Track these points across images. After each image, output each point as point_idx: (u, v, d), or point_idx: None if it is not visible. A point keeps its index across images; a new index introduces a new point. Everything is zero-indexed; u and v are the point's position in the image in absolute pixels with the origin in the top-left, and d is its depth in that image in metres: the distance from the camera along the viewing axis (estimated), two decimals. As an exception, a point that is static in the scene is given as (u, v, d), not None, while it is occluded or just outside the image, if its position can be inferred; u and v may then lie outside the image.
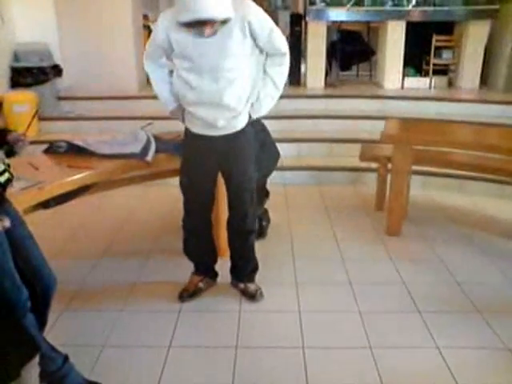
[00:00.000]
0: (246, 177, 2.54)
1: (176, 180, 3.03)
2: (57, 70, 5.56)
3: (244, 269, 2.79)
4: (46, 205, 2.52)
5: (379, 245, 3.41)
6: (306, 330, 2.48)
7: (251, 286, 2.78)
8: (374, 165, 4.12)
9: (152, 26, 6.65)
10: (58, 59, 5.64)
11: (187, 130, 2.55)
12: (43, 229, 3.34)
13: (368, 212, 3.99)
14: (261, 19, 2.28)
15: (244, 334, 2.47)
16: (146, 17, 6.73)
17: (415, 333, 2.48)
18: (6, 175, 1.83)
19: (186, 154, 2.59)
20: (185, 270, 2.92)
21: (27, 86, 5.23)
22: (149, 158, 2.80)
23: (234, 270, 2.83)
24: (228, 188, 2.61)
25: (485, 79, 6.49)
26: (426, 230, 3.64)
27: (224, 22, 2.18)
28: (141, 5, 6.40)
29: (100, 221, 3.83)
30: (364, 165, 4.25)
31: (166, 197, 4.19)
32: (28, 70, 5.28)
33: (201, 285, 2.81)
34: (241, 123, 2.44)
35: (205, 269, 2.84)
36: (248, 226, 2.65)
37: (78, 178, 2.54)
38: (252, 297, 2.74)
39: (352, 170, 4.63)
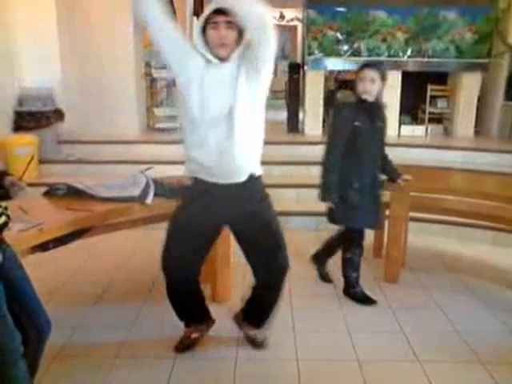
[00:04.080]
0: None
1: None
2: (59, 114, 5.66)
3: (264, 316, 2.62)
4: (44, 247, 2.52)
5: (377, 292, 3.38)
6: (304, 380, 2.43)
7: (261, 335, 2.68)
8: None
9: (153, 72, 6.82)
10: (60, 104, 5.75)
11: None
12: (40, 271, 3.32)
13: (366, 259, 3.95)
14: None
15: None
16: (148, 64, 6.90)
17: (415, 383, 2.43)
18: (3, 218, 1.84)
19: None
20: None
21: (29, 129, 5.31)
22: (148, 201, 2.82)
23: (248, 314, 2.65)
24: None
25: (479, 128, 6.64)
26: (424, 278, 3.62)
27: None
28: (143, 52, 6.59)
29: (97, 264, 3.80)
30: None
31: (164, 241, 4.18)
32: (31, 114, 5.37)
33: (195, 335, 2.70)
34: None
35: (194, 320, 2.70)
36: (282, 279, 2.47)
37: (76, 220, 2.54)
38: (260, 345, 2.67)
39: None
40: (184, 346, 2.67)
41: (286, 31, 13.78)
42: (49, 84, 5.61)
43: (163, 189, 2.95)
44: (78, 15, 5.95)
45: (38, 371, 2.07)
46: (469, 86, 6.49)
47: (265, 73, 2.20)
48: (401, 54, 6.44)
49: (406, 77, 6.49)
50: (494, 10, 6.27)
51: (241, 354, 2.63)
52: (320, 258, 3.54)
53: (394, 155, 5.60)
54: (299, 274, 3.63)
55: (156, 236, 4.26)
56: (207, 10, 2.14)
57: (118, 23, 5.97)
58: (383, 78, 2.99)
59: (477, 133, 6.58)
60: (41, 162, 5.13)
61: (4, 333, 1.75)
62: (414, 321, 3.02)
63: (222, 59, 2.19)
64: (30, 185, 2.17)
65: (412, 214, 3.77)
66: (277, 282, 2.48)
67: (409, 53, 6.43)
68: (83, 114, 5.98)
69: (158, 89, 7.13)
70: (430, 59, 6.43)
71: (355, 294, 3.25)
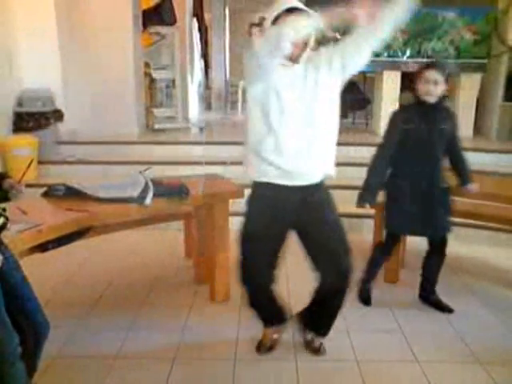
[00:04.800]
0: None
1: (175, 224, 2.98)
2: (58, 115, 5.65)
3: (326, 324, 2.61)
4: (43, 248, 2.52)
5: (377, 292, 3.37)
6: (302, 380, 2.43)
7: (318, 341, 2.67)
8: (370, 211, 4.12)
9: (153, 72, 6.82)
10: (59, 104, 5.74)
11: None
12: (39, 272, 3.31)
13: (365, 258, 3.96)
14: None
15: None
16: (147, 64, 6.90)
17: (414, 383, 2.43)
18: (2, 219, 1.84)
19: None
20: (179, 318, 2.89)
21: (29, 130, 5.31)
22: (147, 202, 2.81)
23: (313, 321, 2.63)
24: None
25: (478, 128, 6.63)
26: (423, 278, 3.62)
27: None
28: (142, 53, 6.59)
29: (96, 265, 3.80)
30: (360, 211, 4.24)
31: (163, 241, 4.19)
32: (30, 114, 5.37)
33: (275, 336, 2.69)
34: None
35: (275, 322, 2.68)
36: (348, 283, 2.44)
37: (76, 220, 2.54)
38: (317, 351, 2.65)
39: (347, 217, 4.61)
40: (266, 347, 2.66)
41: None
42: (48, 85, 5.60)
43: (162, 189, 2.95)
44: (77, 16, 5.95)
45: (36, 372, 2.07)
46: (468, 86, 6.48)
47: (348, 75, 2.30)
48: (400, 54, 6.43)
49: (406, 77, 6.48)
50: (493, 11, 6.27)
51: (239, 355, 2.62)
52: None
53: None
54: (296, 274, 3.64)
55: (155, 236, 4.29)
56: (276, 10, 2.14)
57: (118, 24, 5.97)
58: (447, 80, 2.86)
59: (476, 133, 6.58)
60: (40, 162, 5.12)
61: (2, 334, 1.76)
62: (413, 321, 3.02)
63: (293, 60, 2.20)
64: (29, 186, 2.18)
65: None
66: (344, 286, 2.45)
67: (408, 53, 6.42)
68: (83, 114, 5.97)
69: (157, 89, 7.13)
70: (429, 59, 6.42)
71: (360, 290, 3.26)
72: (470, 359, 2.62)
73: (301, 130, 2.21)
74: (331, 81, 2.26)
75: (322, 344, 2.66)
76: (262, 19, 2.20)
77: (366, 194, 3.01)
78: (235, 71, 12.49)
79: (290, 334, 2.82)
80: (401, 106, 2.98)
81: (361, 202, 3.02)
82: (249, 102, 2.28)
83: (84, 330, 2.86)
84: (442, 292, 3.37)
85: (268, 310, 2.64)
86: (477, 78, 6.49)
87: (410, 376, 2.48)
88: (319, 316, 2.60)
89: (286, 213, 2.33)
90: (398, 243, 3.28)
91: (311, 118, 2.22)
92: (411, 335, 2.84)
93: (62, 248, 2.71)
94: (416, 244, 4.14)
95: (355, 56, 2.21)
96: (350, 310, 3.10)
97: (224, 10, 11.50)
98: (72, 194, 2.89)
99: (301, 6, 2.15)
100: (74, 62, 5.97)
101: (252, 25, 2.33)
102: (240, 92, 9.70)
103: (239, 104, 9.77)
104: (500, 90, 6.42)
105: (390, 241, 3.22)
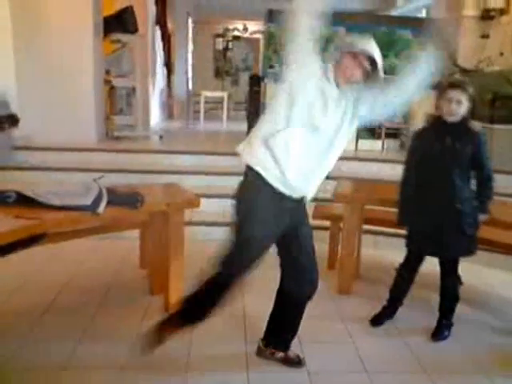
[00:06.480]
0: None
1: (127, 233, 2.94)
2: (13, 120, 5.50)
3: (290, 337, 2.67)
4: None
5: (330, 304, 3.41)
6: (254, 391, 2.44)
7: (291, 353, 2.68)
8: (326, 223, 4.19)
9: (113, 80, 6.73)
10: (15, 108, 5.59)
11: None
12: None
13: (320, 270, 4.00)
14: None
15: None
16: (107, 72, 6.83)
17: (363, 393, 2.47)
18: None
19: None
20: (131, 328, 2.85)
21: (-19, 134, 5.15)
22: (100, 210, 2.77)
23: (274, 338, 2.68)
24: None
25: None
26: (376, 290, 3.67)
27: None
28: (103, 59, 6.52)
29: (48, 274, 3.70)
30: (317, 223, 4.30)
31: (117, 250, 4.13)
32: (-18, 119, 5.21)
33: None
34: None
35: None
36: (314, 292, 2.56)
37: (23, 228, 2.47)
38: (298, 363, 2.65)
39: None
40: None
41: (248, 43, 13.95)
42: (2, 88, 5.46)
43: (116, 197, 2.91)
44: (34, 20, 5.80)
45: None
46: (424, 102, 6.68)
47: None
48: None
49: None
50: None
51: (191, 366, 2.61)
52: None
53: (352, 168, 5.69)
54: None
55: (110, 246, 4.22)
56: (359, 44, 2.28)
57: (78, 30, 5.88)
58: (470, 99, 2.77)
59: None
60: (-7, 168, 4.98)
61: None
62: (365, 332, 3.07)
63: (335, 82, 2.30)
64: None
65: (367, 227, 3.84)
66: (309, 298, 2.57)
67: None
68: (39, 119, 5.82)
69: (117, 97, 7.06)
70: (386, 76, 6.61)
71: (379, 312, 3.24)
72: (418, 369, 2.68)
73: (315, 149, 2.28)
74: (353, 120, 2.37)
75: (297, 354, 2.68)
76: None
77: (400, 216, 3.03)
78: (197, 80, 12.52)
79: (241, 343, 2.83)
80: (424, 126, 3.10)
81: (400, 223, 3.06)
82: (282, 87, 2.40)
83: (31, 341, 2.77)
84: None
85: (210, 304, 2.47)
86: (433, 94, 6.71)
87: (359, 386, 2.52)
88: (282, 331, 2.66)
89: (284, 216, 2.35)
90: (420, 261, 3.11)
91: (336, 136, 2.32)
92: (362, 346, 2.88)
93: (11, 256, 2.64)
94: (371, 256, 4.23)
95: (382, 108, 2.43)
96: (302, 322, 3.13)
97: (187, 20, 11.53)
98: (23, 200, 2.82)
99: (371, 52, 2.29)
100: (31, 67, 5.84)
101: None
102: (202, 101, 9.70)
103: (201, 113, 9.78)
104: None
105: (408, 256, 3.15)
